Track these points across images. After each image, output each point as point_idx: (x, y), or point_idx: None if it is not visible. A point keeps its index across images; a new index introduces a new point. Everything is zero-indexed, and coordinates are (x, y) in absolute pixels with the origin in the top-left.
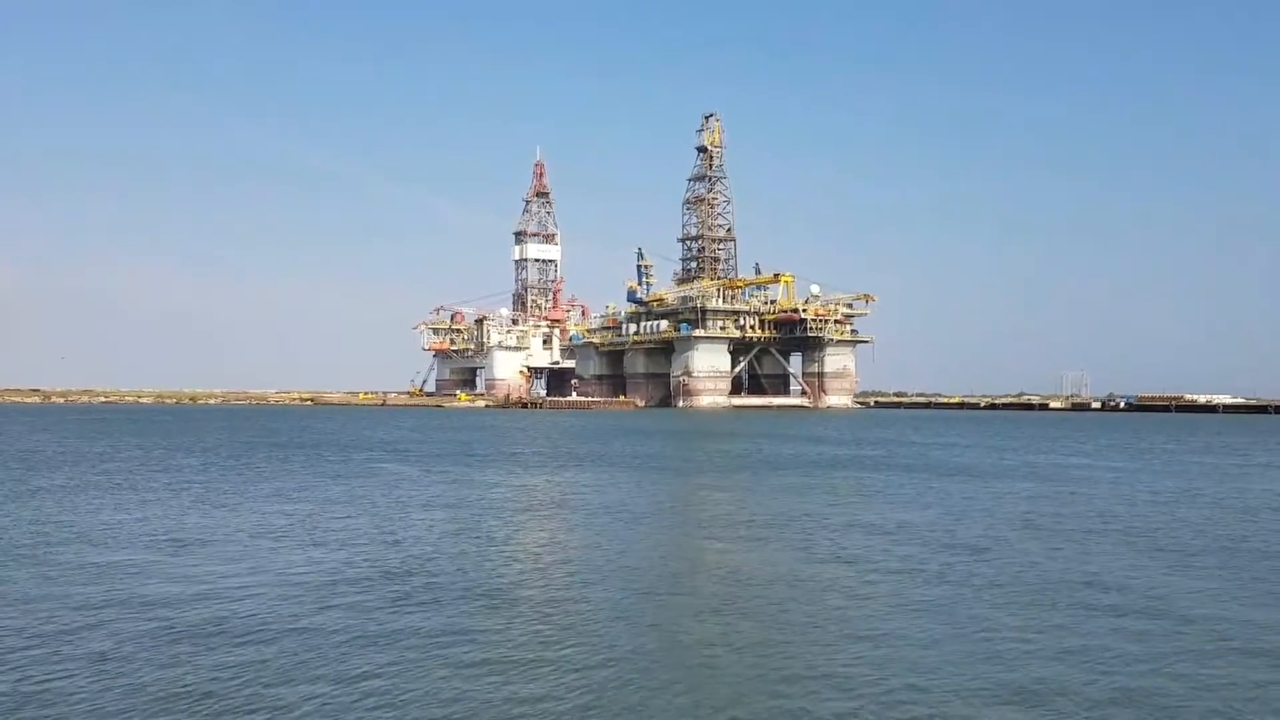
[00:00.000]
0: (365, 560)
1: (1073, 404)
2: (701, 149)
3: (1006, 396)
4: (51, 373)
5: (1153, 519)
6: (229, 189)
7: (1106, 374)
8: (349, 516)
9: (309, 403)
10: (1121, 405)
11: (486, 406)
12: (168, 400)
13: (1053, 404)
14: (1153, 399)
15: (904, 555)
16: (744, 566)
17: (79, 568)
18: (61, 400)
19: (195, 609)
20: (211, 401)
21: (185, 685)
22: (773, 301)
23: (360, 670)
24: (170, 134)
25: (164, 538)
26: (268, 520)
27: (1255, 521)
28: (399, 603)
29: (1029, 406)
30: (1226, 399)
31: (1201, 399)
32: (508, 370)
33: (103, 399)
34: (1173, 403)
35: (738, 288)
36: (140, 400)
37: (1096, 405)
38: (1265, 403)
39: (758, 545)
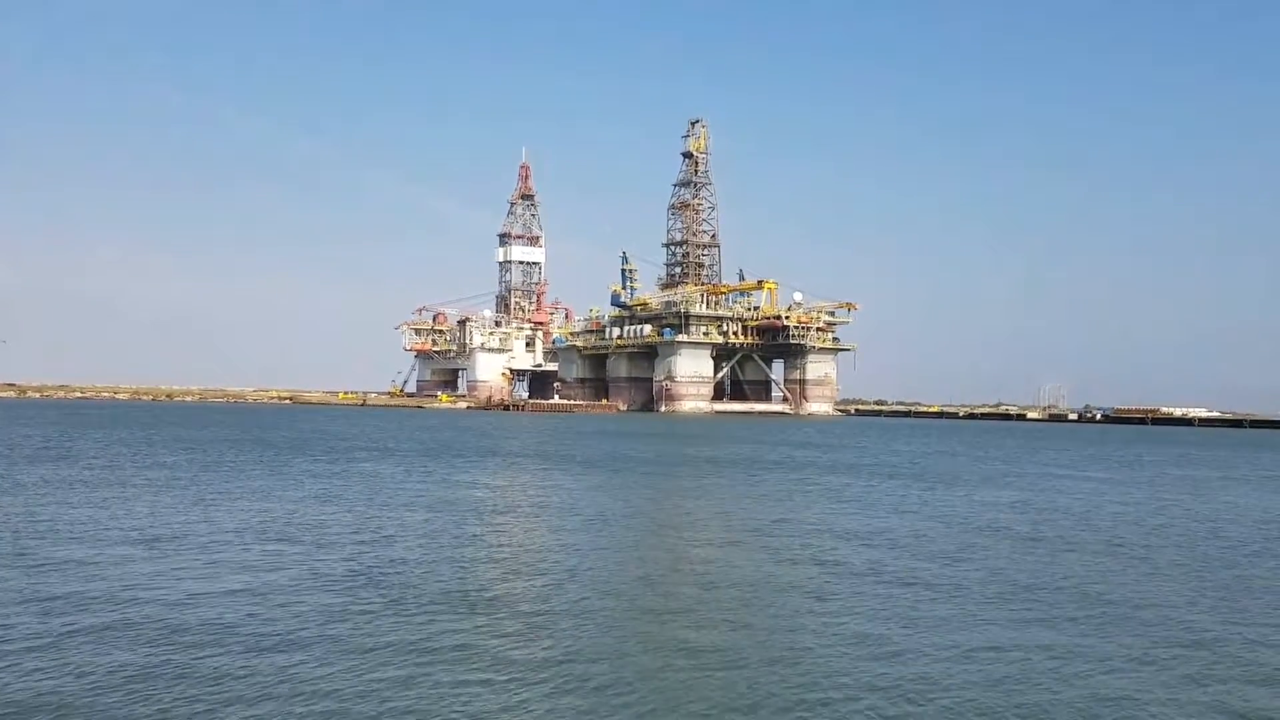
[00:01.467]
0: (340, 560)
1: (1050, 415)
2: (687, 154)
3: (984, 406)
4: (27, 367)
5: (1130, 530)
6: (216, 184)
7: (1083, 385)
8: (326, 516)
9: (288, 402)
10: (1098, 417)
11: (468, 408)
12: (144, 397)
13: (1030, 414)
14: (1129, 411)
15: (877, 560)
16: (716, 570)
17: (50, 563)
18: (38, 395)
19: (164, 609)
20: (188, 399)
21: (147, 688)
22: (756, 308)
23: (324, 672)
24: (154, 127)
25: (138, 535)
26: (246, 519)
27: (1242, 535)
28: (370, 604)
29: (1007, 416)
30: (1202, 412)
31: (1177, 412)
32: (490, 372)
33: (79, 394)
34: (1149, 415)
35: (721, 293)
36: (117, 396)
37: (1073, 416)
38: (1240, 416)
39: (732, 549)
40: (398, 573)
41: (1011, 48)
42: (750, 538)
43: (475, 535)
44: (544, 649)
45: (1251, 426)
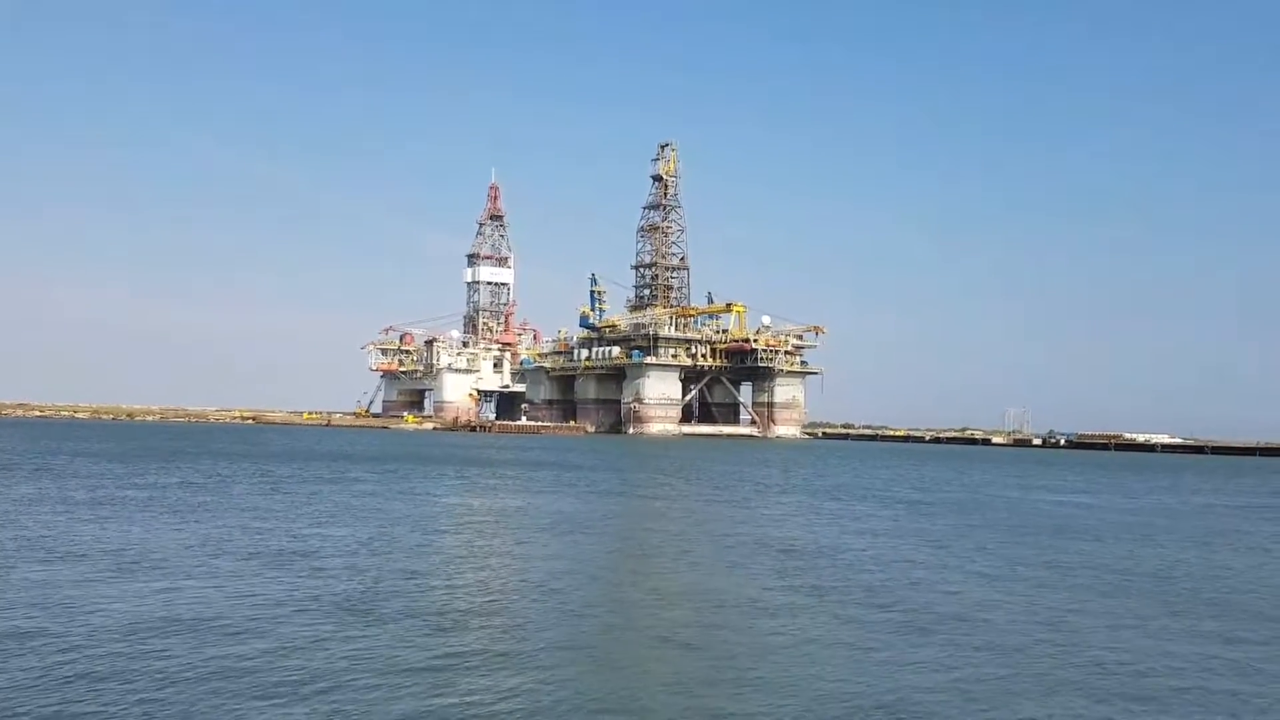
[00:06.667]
0: (303, 578)
1: (1015, 440)
2: (657, 178)
3: (951, 430)
4: None
5: (1100, 556)
6: (176, 204)
7: (1047, 411)
8: (290, 532)
9: (250, 421)
10: (1061, 443)
11: (434, 429)
12: (104, 416)
13: (995, 439)
14: (1092, 437)
15: (864, 584)
16: (677, 590)
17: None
18: None
19: (125, 629)
20: (150, 418)
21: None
22: (724, 331)
23: (291, 696)
24: (116, 146)
25: (104, 554)
26: (214, 535)
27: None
28: (323, 623)
29: (972, 441)
30: (1164, 438)
31: (1140, 438)
32: (457, 393)
33: (38, 413)
34: (1112, 441)
35: (690, 316)
36: (76, 415)
37: (1037, 442)
38: (1202, 443)
39: (693, 569)
40: (360, 588)
41: (980, 73)
42: (712, 558)
43: (434, 555)
44: (499, 668)
45: (1213, 453)
